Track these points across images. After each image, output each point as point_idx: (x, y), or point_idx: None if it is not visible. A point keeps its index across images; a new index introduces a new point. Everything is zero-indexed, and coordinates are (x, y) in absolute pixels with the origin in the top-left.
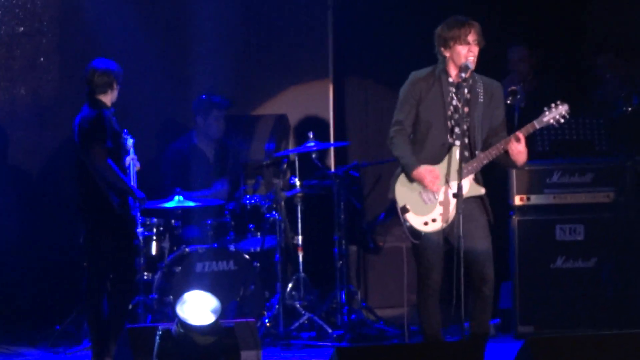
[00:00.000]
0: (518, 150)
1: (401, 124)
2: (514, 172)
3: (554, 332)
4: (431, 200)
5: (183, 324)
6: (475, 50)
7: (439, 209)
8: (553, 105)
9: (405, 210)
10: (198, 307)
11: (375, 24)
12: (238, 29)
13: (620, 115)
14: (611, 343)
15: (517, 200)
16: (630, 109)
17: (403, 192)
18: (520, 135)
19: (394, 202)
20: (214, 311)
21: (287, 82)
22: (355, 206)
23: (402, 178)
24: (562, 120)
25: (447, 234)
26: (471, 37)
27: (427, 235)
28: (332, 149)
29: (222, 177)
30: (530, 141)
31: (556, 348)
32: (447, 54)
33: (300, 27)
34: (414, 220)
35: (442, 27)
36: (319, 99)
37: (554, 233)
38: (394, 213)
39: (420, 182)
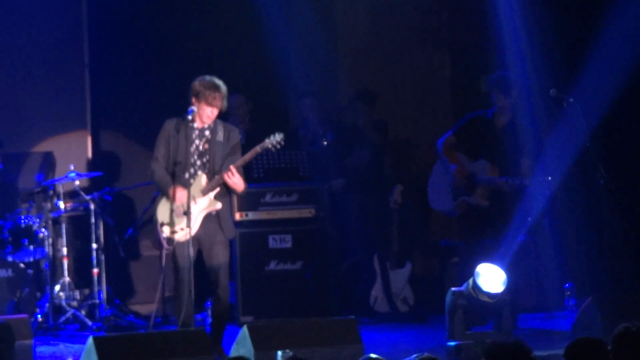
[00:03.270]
0: (233, 182)
1: (157, 159)
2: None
3: (269, 320)
4: (179, 216)
5: None
6: (216, 111)
7: (183, 223)
8: (272, 135)
9: (162, 224)
10: None
11: (127, 81)
12: (10, 81)
13: (319, 148)
14: (312, 326)
15: (237, 217)
16: (326, 142)
17: (161, 211)
18: (233, 168)
19: (155, 219)
20: None
21: (54, 125)
22: (108, 223)
23: (161, 201)
24: (278, 146)
25: (197, 244)
26: (216, 102)
27: (177, 243)
28: (90, 178)
29: None
30: (249, 169)
31: (269, 331)
32: (196, 105)
33: (61, 82)
34: (167, 230)
35: (200, 82)
36: (79, 137)
37: (268, 242)
38: (140, 228)
39: (172, 199)
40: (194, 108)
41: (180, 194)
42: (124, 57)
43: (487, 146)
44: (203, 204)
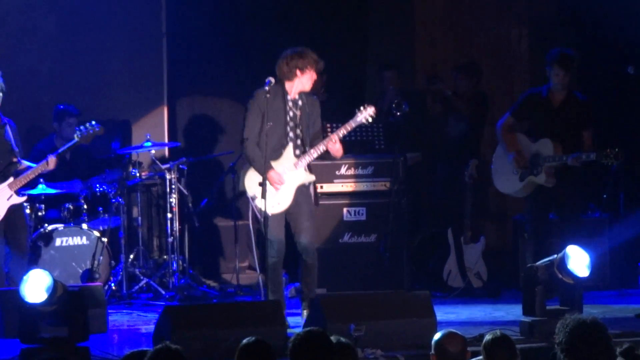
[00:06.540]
0: (336, 149)
1: (252, 133)
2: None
3: (342, 292)
4: (272, 190)
5: (24, 301)
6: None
7: (277, 197)
8: (362, 107)
9: (254, 198)
10: (35, 286)
11: (204, 51)
12: (88, 50)
13: (394, 120)
14: (385, 299)
15: None
16: (400, 114)
17: (250, 184)
18: (335, 137)
19: (244, 191)
20: (47, 289)
21: (131, 93)
22: (183, 193)
23: (249, 174)
24: (370, 120)
25: (287, 216)
26: (320, 64)
27: (267, 216)
28: (166, 148)
29: (75, 178)
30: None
31: (342, 303)
32: (300, 76)
33: (138, 50)
34: (261, 204)
35: (300, 53)
36: (155, 106)
37: (342, 214)
38: (215, 198)
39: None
40: (271, 79)
41: (277, 177)
42: (202, 26)
43: (546, 124)
44: (299, 177)
